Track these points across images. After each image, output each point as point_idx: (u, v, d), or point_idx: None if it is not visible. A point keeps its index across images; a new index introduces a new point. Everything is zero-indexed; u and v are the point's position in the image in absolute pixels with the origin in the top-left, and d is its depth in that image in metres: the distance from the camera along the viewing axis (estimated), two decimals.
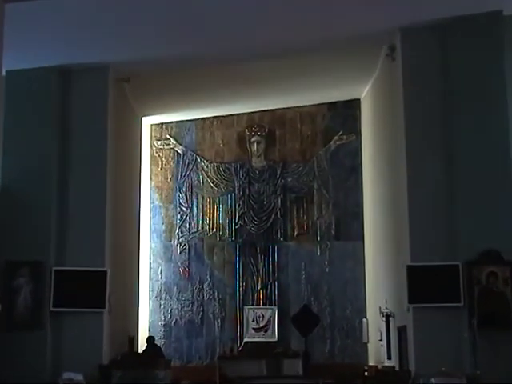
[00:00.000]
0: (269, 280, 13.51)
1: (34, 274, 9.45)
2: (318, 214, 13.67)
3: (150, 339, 11.52)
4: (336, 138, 13.83)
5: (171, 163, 14.01)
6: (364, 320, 13.02)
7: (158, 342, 12.40)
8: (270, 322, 13.18)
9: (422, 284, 9.09)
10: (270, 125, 14.04)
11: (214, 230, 13.75)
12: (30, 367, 9.13)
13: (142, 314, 13.05)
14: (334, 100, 13.80)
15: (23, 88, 9.88)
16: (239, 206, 13.81)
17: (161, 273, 13.63)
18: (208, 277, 13.57)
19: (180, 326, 13.38)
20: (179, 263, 13.64)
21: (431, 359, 8.78)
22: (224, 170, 13.99)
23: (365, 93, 13.40)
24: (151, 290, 13.57)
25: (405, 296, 9.32)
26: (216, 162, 13.99)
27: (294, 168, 13.88)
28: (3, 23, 8.30)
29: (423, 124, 9.53)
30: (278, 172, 13.88)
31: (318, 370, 11.61)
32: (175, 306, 13.43)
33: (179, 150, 14.05)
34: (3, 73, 9.11)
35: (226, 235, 13.72)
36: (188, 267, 13.60)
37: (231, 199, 13.85)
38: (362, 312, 13.15)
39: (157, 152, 14.07)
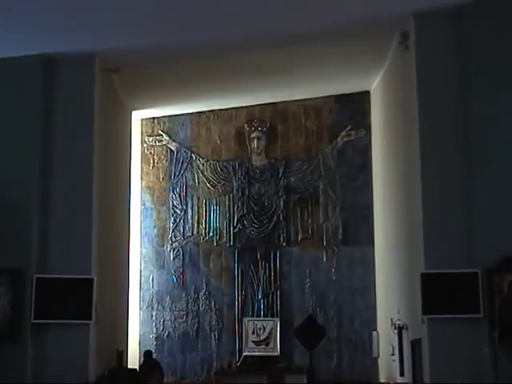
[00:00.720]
0: (270, 289, 13.50)
1: (14, 282, 9.40)
2: (323, 217, 13.65)
3: (147, 353, 11.57)
4: (343, 133, 13.80)
5: (164, 161, 13.99)
6: (374, 332, 13.00)
7: None
8: (271, 334, 13.19)
9: (438, 293, 9.04)
10: (272, 119, 14.00)
11: (211, 235, 13.73)
12: None
13: (132, 325, 13.03)
14: (341, 92, 13.76)
15: (0, 79, 9.82)
16: (238, 207, 13.78)
17: (152, 281, 13.63)
18: (204, 285, 13.55)
19: (173, 339, 13.37)
20: (172, 270, 13.63)
21: (448, 376, 8.71)
22: (221, 169, 13.95)
23: (375, 84, 13.37)
24: (142, 299, 13.56)
25: (419, 306, 9.26)
26: (213, 160, 13.96)
27: (297, 166, 13.85)
28: None
29: (439, 118, 9.46)
30: (281, 171, 13.85)
31: None
32: (168, 317, 13.42)
33: (172, 146, 14.02)
34: None
35: (224, 240, 13.70)
36: (182, 275, 13.58)
37: (229, 200, 13.82)
38: (371, 324, 13.13)
39: (148, 149, 14.05)
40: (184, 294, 13.53)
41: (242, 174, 13.89)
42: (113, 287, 11.38)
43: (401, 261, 11.29)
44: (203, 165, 13.96)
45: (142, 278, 13.64)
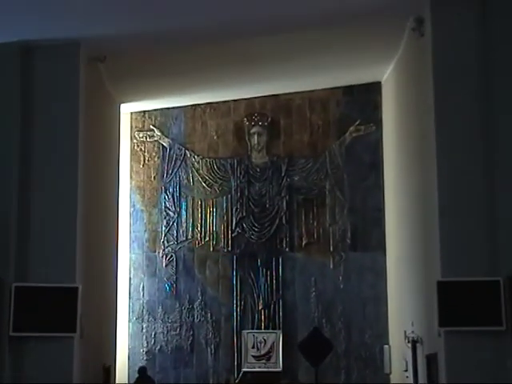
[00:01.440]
0: (272, 298, 13.50)
1: None
2: (330, 220, 13.65)
3: (141, 370, 11.67)
4: (352, 128, 13.79)
5: (155, 159, 13.98)
6: (386, 346, 13.01)
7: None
8: (273, 348, 13.19)
9: (456, 303, 8.97)
10: (274, 113, 13.99)
11: (207, 239, 13.73)
12: None
13: (121, 339, 13.00)
14: (350, 83, 13.75)
15: None
16: (237, 209, 13.79)
17: (143, 290, 13.63)
18: (199, 294, 13.55)
19: (166, 354, 13.37)
20: (165, 278, 13.63)
21: None
22: (218, 167, 13.95)
23: (387, 75, 13.37)
24: (131, 310, 13.54)
25: (435, 318, 9.19)
26: (209, 158, 13.95)
27: (301, 164, 13.85)
28: None
29: (457, 111, 9.36)
30: (283, 169, 13.85)
31: None
32: (160, 330, 13.43)
33: (165, 143, 14.01)
34: None
35: (221, 245, 13.71)
36: (175, 283, 13.60)
37: (227, 202, 13.83)
38: (383, 337, 13.13)
39: (138, 145, 14.04)
40: (177, 305, 13.51)
41: (241, 173, 13.88)
42: (99, 297, 11.33)
43: (415, 268, 11.25)
44: (198, 163, 13.93)
45: (132, 286, 13.63)
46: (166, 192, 13.86)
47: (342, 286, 13.44)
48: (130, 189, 13.89)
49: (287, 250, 13.63)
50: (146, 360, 13.23)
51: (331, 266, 13.51)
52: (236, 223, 13.74)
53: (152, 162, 13.98)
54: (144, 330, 13.44)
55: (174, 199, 13.85)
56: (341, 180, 13.72)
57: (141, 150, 14.05)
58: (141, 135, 14.07)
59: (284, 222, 13.70)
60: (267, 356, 13.15)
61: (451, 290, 9.02)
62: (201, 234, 13.75)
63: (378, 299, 13.26)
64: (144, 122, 14.08)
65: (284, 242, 13.66)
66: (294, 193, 13.77)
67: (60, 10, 9.25)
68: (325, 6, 9.85)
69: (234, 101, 13.97)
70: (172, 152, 13.97)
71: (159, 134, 14.03)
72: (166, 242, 13.76)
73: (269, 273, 13.58)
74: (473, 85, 9.37)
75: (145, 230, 13.81)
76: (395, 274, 12.89)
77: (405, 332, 11.44)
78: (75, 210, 9.96)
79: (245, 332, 13.30)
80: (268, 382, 12.71)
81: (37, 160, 9.91)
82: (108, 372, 11.14)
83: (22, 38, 9.77)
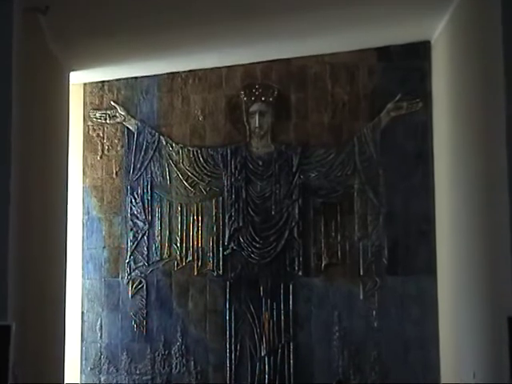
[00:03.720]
0: (279, 341, 13.48)
1: None
2: (360, 233, 13.61)
3: None
4: (390, 106, 13.73)
5: (118, 148, 13.99)
6: None
7: None
8: None
9: None
10: (282, 84, 13.94)
11: (189, 259, 13.72)
12: None
13: None
14: (387, 43, 13.71)
15: None
16: (231, 218, 13.77)
17: (100, 329, 13.63)
18: (179, 336, 13.56)
19: None
20: (131, 313, 13.63)
21: None
22: (206, 160, 13.92)
23: (438, 32, 13.27)
24: (84, 357, 13.55)
25: (506, 367, 8.97)
26: (192, 147, 13.93)
27: (320, 156, 13.79)
28: None
29: None
30: (295, 162, 13.82)
31: None
32: None
33: (131, 125, 14.02)
34: None
35: (209, 267, 13.69)
36: (145, 320, 13.60)
37: (217, 207, 13.82)
38: None
39: (94, 129, 14.05)
40: (149, 350, 13.52)
41: (236, 168, 13.85)
42: (41, 338, 11.24)
43: (477, 299, 11.16)
44: (178, 153, 13.92)
45: (85, 324, 13.60)
46: (132, 194, 13.85)
47: (375, 324, 13.41)
48: (84, 189, 13.87)
49: (300, 273, 13.57)
50: None
51: (361, 296, 13.48)
52: (230, 236, 13.70)
53: (113, 153, 13.97)
54: None
55: (143, 204, 13.83)
56: (374, 177, 13.66)
57: (98, 135, 14.03)
58: (98, 115, 14.05)
59: (296, 235, 13.64)
60: None
61: None
62: (181, 251, 13.72)
63: (425, 341, 13.20)
64: (102, 96, 14.05)
65: (296, 262, 13.60)
66: (310, 195, 13.72)
67: None
68: None
69: (228, 67, 13.90)
70: (141, 138, 13.95)
71: (123, 113, 14.00)
72: (132, 262, 13.75)
73: (275, 305, 13.53)
74: None
75: (103, 247, 13.79)
76: (450, 306, 12.78)
77: None
78: (7, 220, 9.71)
79: None
80: None
81: None
82: None
83: None
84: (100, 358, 13.50)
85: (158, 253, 13.74)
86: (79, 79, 13.76)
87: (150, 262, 13.74)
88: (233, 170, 13.86)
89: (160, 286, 13.68)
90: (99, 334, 13.59)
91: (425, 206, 13.50)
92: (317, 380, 13.26)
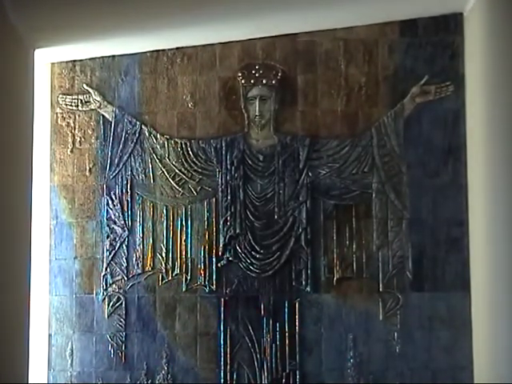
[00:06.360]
0: (283, 369, 12.89)
1: None
2: (380, 241, 12.89)
3: None
4: (416, 89, 13.06)
5: (92, 140, 13.34)
6: None
7: None
8: None
9: None
10: (287, 64, 13.26)
11: (177, 272, 13.07)
12: None
13: None
14: (412, 16, 13.08)
15: None
16: (226, 222, 13.14)
17: (71, 355, 13.07)
18: (164, 363, 12.99)
19: None
20: (108, 336, 13.05)
21: None
22: (196, 154, 13.25)
23: (473, 1, 12.51)
24: None
25: None
26: (180, 138, 13.28)
27: (332, 149, 13.10)
28: None
29: None
30: (302, 157, 13.15)
31: None
32: None
33: (108, 113, 13.35)
34: None
35: (200, 281, 13.06)
36: (124, 343, 13.09)
37: (210, 210, 13.21)
38: None
39: (64, 118, 13.41)
40: (128, 379, 12.94)
41: (232, 163, 13.20)
42: (0, 367, 10.64)
43: None
44: (163, 146, 13.24)
45: (53, 349, 13.00)
46: (109, 194, 13.20)
47: (398, 349, 12.69)
48: (51, 189, 13.26)
49: (308, 289, 12.85)
50: None
51: (380, 317, 12.76)
52: (224, 245, 13.00)
53: (87, 146, 13.29)
54: None
55: (122, 206, 13.20)
56: (396, 175, 12.94)
57: (68, 124, 13.36)
58: (68, 101, 13.40)
59: (303, 243, 12.89)
60: None
61: None
62: (167, 263, 13.06)
63: (457, 371, 12.50)
64: (73, 79, 13.43)
65: (303, 276, 12.88)
66: (320, 196, 13.00)
67: None
68: None
69: (222, 44, 13.25)
70: (120, 129, 13.29)
71: (98, 98, 13.35)
72: (109, 276, 13.10)
73: (278, 326, 12.88)
74: None
75: (75, 257, 13.11)
76: (486, 329, 12.08)
77: None
78: None
79: None
80: None
81: None
82: None
83: None
84: None
85: (140, 264, 13.13)
86: (46, 58, 13.18)
87: (130, 276, 13.11)
88: (228, 167, 13.18)
89: (142, 303, 13.06)
90: (69, 361, 13.01)
91: (456, 210, 12.80)
92: None
